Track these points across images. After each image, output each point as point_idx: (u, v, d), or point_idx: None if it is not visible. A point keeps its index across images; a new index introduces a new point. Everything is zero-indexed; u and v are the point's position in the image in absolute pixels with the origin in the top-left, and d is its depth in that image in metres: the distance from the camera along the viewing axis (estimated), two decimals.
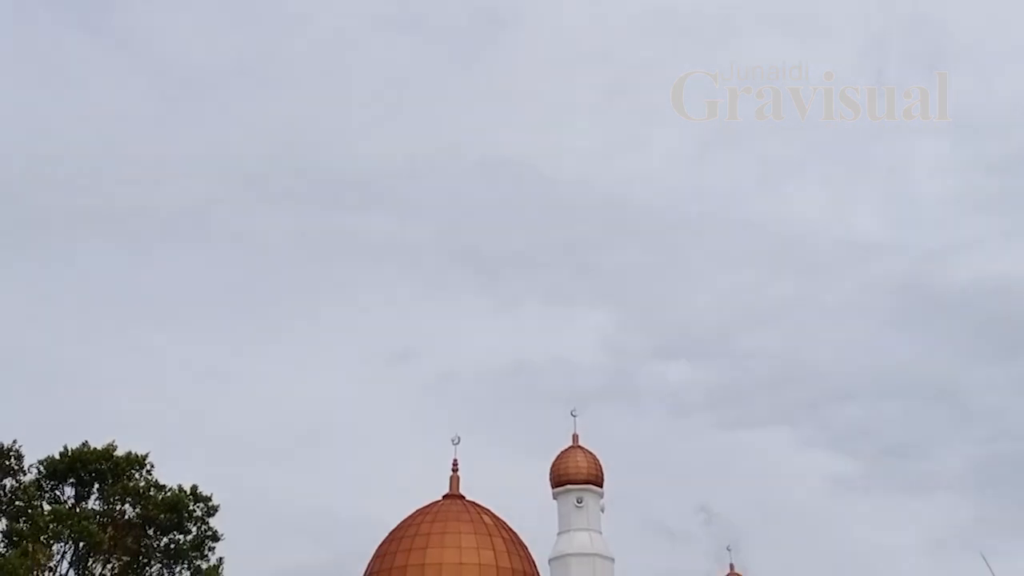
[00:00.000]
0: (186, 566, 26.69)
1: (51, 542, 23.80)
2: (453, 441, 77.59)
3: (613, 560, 54.94)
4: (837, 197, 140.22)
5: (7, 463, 25.67)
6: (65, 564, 24.98)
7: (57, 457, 26.59)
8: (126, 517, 26.10)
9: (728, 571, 75.18)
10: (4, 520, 25.07)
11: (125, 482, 26.50)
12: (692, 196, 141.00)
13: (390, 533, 75.21)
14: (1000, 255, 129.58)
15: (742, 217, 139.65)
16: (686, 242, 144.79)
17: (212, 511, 27.38)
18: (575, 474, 56.21)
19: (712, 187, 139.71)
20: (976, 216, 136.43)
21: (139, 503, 26.37)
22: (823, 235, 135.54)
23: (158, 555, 26.48)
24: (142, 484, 26.92)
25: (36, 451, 26.65)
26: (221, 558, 27.18)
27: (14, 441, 26.07)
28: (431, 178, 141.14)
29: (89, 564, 25.32)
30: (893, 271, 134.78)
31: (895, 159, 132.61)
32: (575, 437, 58.44)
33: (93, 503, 26.55)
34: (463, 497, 76.98)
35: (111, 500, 26.26)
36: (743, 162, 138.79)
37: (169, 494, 26.86)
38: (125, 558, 25.78)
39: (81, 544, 24.62)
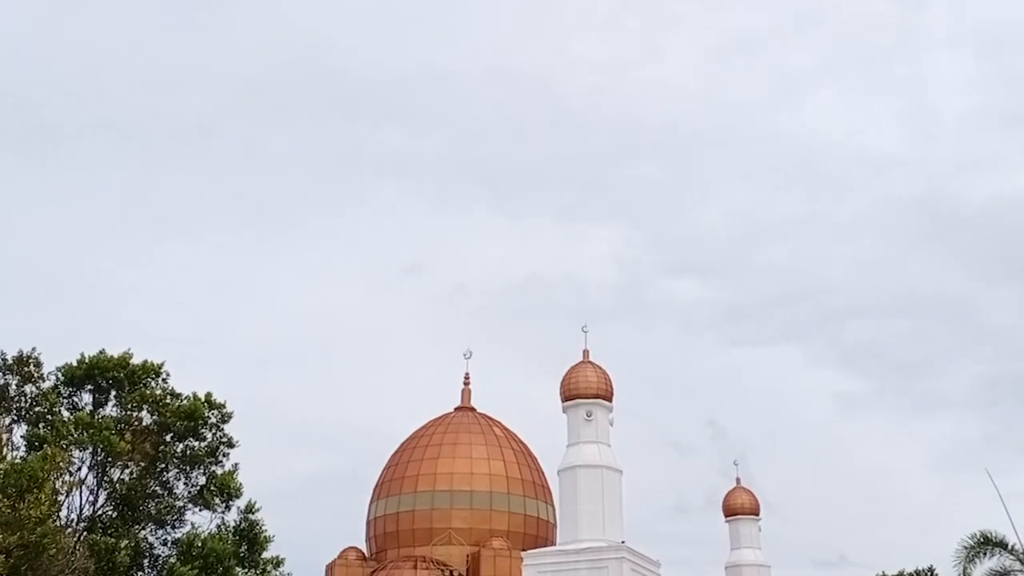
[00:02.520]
0: (202, 471, 27.27)
1: (71, 448, 24.28)
2: (464, 355, 78.03)
3: (621, 472, 55.87)
4: (855, 111, 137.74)
5: (26, 370, 26.06)
6: (85, 469, 25.52)
7: (75, 365, 26.96)
8: (143, 424, 26.57)
9: (735, 485, 76.40)
10: (25, 425, 25.56)
11: (142, 390, 26.92)
12: (706, 110, 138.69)
13: (402, 443, 76.41)
14: (1019, 172, 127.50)
15: (756, 131, 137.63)
16: (699, 157, 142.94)
17: (227, 418, 27.85)
18: (585, 388, 56.82)
19: (726, 100, 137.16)
20: (996, 132, 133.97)
21: (155, 410, 26.82)
22: (839, 150, 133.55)
23: (175, 461, 27.05)
24: (158, 392, 27.34)
25: (53, 359, 27.03)
26: (236, 464, 27.77)
27: (32, 348, 26.45)
28: (442, 91, 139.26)
29: (108, 469, 25.85)
30: (909, 187, 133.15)
31: (916, 73, 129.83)
32: (586, 352, 58.86)
33: (110, 410, 27.01)
34: (474, 409, 77.99)
35: (128, 407, 26.71)
36: (759, 75, 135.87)
37: (185, 402, 27.30)
38: (143, 464, 26.31)
39: (100, 450, 25.09)
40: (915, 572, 43.69)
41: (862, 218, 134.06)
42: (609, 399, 57.23)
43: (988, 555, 34.31)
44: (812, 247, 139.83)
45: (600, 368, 58.12)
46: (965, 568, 34.59)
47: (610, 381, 57.63)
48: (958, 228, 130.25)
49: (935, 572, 43.51)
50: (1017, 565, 33.63)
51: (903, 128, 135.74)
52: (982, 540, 34.19)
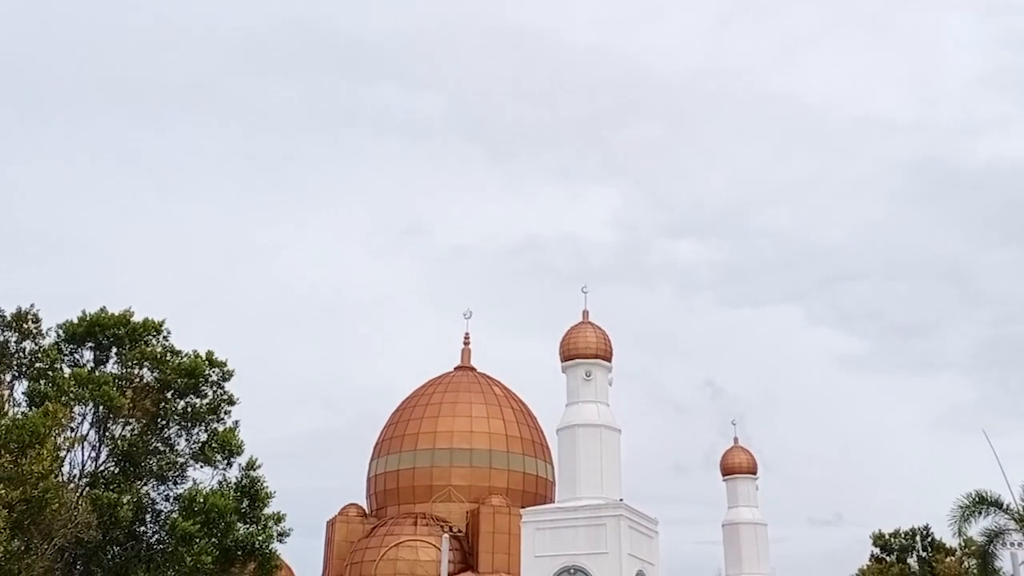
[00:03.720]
0: (203, 428, 27.38)
1: (72, 403, 24.37)
2: (465, 315, 78.42)
3: (619, 431, 56.24)
4: (858, 73, 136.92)
5: (25, 326, 26.08)
6: (86, 426, 25.62)
7: (75, 322, 26.98)
8: (144, 381, 26.65)
9: (732, 444, 76.94)
10: (26, 381, 25.63)
11: (142, 347, 26.95)
12: (708, 71, 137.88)
13: (403, 402, 76.93)
14: (1022, 135, 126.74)
15: (759, 93, 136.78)
16: (701, 118, 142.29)
17: (227, 376, 27.92)
18: (584, 348, 57.06)
19: (729, 62, 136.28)
20: (1000, 94, 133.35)
21: (156, 368, 26.88)
22: (842, 111, 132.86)
23: (176, 418, 27.15)
24: (159, 349, 27.37)
25: (54, 318, 27.06)
26: (237, 421, 27.87)
27: (31, 305, 26.43)
28: (442, 50, 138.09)
29: (109, 426, 25.96)
30: (911, 150, 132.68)
31: (920, 34, 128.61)
32: (585, 313, 59.04)
33: (111, 367, 27.07)
34: (474, 369, 78.41)
35: (129, 364, 26.76)
36: (762, 36, 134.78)
37: (185, 359, 27.35)
38: (144, 420, 26.43)
39: (101, 407, 25.18)
40: (911, 531, 44.11)
41: (863, 181, 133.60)
42: (608, 359, 57.47)
43: (984, 514, 34.65)
44: (813, 209, 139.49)
45: (599, 328, 58.29)
46: (961, 527, 34.93)
47: (609, 341, 57.84)
48: (959, 191, 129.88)
49: (931, 531, 43.94)
50: (1012, 524, 33.95)
51: (906, 90, 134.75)
52: (978, 500, 34.49)
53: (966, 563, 40.75)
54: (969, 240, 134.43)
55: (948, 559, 42.57)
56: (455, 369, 75.09)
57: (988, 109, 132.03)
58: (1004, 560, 34.59)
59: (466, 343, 75.72)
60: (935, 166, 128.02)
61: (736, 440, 75.25)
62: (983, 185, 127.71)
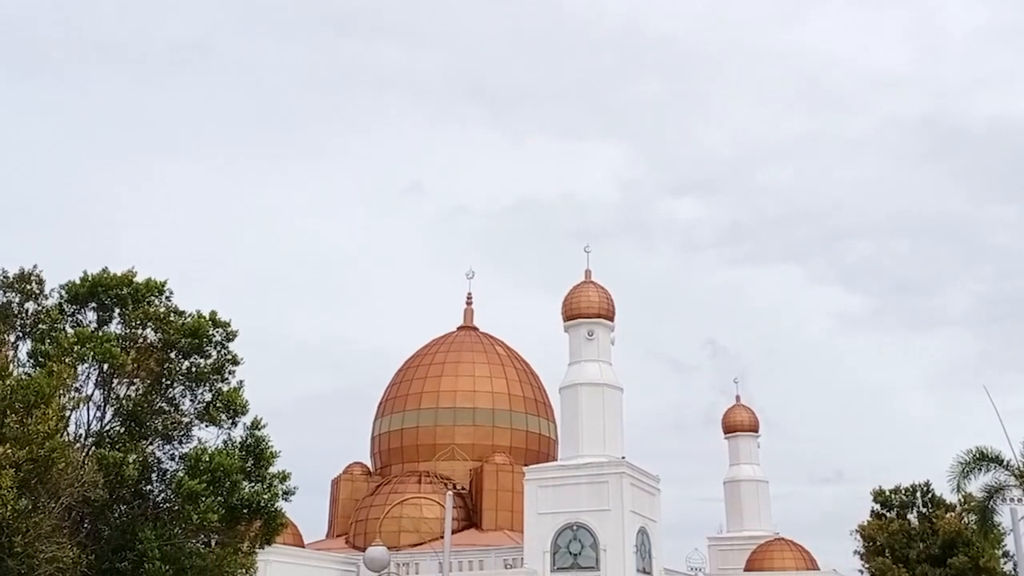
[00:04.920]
0: (207, 388, 27.45)
1: (76, 363, 24.42)
2: (467, 275, 78.56)
3: (622, 390, 56.45)
4: (861, 29, 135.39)
5: (28, 287, 26.07)
6: (91, 385, 25.69)
7: (77, 282, 26.95)
8: (148, 341, 26.67)
9: (734, 402, 77.24)
10: (29, 342, 25.67)
11: (145, 307, 26.93)
12: (710, 27, 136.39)
13: (406, 362, 77.14)
14: None
15: (761, 49, 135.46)
16: (703, 75, 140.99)
17: (231, 336, 27.93)
18: (587, 308, 57.10)
19: (731, 17, 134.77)
20: (1004, 50, 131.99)
21: (160, 328, 26.88)
22: (846, 68, 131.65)
23: (180, 378, 27.21)
24: (162, 310, 27.36)
25: (56, 279, 27.05)
26: (241, 381, 27.94)
27: (34, 266, 26.39)
28: (441, 7, 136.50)
29: (114, 386, 26.04)
30: (913, 107, 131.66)
31: None
32: (587, 272, 59.00)
33: (115, 327, 27.09)
34: (476, 329, 78.53)
35: (132, 325, 26.77)
36: None
37: (189, 319, 27.35)
38: (148, 380, 26.49)
39: (105, 366, 25.24)
40: (911, 487, 44.39)
41: (865, 138, 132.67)
42: (611, 318, 57.53)
43: (984, 471, 34.83)
44: (815, 167, 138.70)
45: (602, 288, 58.29)
46: (960, 483, 35.13)
47: (612, 301, 57.85)
48: (962, 147, 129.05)
49: (931, 487, 44.23)
50: (1012, 480, 34.14)
51: (909, 46, 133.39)
52: (978, 456, 34.65)
53: (966, 519, 41.06)
54: (971, 197, 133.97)
55: (948, 515, 42.90)
56: (458, 329, 75.26)
57: (992, 64, 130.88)
58: (1003, 515, 34.85)
59: (468, 303, 75.81)
60: (938, 122, 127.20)
61: (738, 398, 75.57)
62: (986, 141, 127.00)
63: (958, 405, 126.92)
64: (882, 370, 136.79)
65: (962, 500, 39.85)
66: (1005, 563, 42.19)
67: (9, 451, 20.06)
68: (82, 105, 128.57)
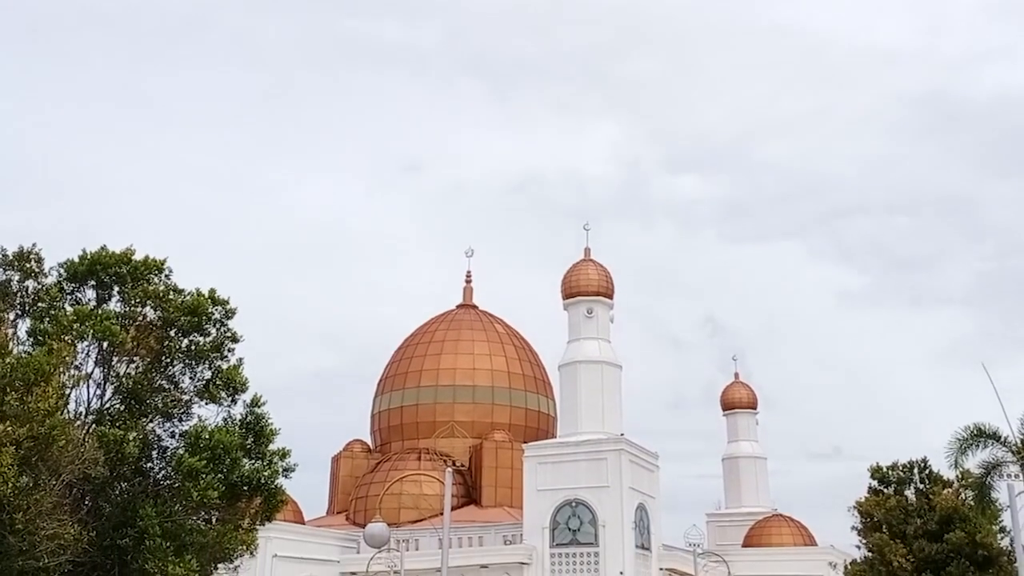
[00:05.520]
0: (207, 366, 27.46)
1: (75, 341, 24.42)
2: (466, 253, 78.64)
3: (620, 368, 56.61)
4: (864, 3, 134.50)
5: (27, 265, 26.02)
6: (91, 363, 25.69)
7: (76, 260, 26.90)
8: (147, 319, 26.66)
9: (733, 380, 77.41)
10: (28, 320, 25.65)
11: (144, 285, 26.89)
12: (711, 1, 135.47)
13: (405, 339, 77.23)
14: None
15: (762, 24, 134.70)
16: (703, 50, 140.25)
17: (230, 314, 27.91)
18: (586, 286, 57.19)
19: None
20: (1006, 22, 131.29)
21: (159, 306, 26.86)
22: (845, 43, 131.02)
23: (180, 355, 27.21)
24: (161, 288, 27.32)
25: (55, 257, 27.01)
26: (241, 359, 27.94)
27: (33, 244, 26.31)
28: None
29: (113, 364, 26.05)
30: (915, 82, 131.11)
31: None
32: (587, 250, 59.05)
33: (114, 306, 27.07)
34: (476, 307, 78.58)
35: (131, 303, 26.75)
36: None
37: (188, 297, 27.32)
38: (148, 358, 26.50)
39: (105, 344, 25.23)
40: (909, 463, 44.51)
41: (867, 113, 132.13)
42: (610, 296, 57.59)
43: (981, 447, 34.97)
44: (815, 143, 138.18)
45: (601, 266, 58.31)
46: (958, 459, 35.27)
47: (611, 279, 57.88)
48: (963, 123, 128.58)
49: (929, 464, 44.35)
50: (1009, 456, 34.28)
51: (912, 20, 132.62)
52: (976, 432, 34.78)
53: (963, 495, 41.24)
54: (972, 173, 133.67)
55: (945, 491, 43.05)
56: (457, 307, 75.25)
57: (993, 39, 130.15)
58: (1000, 491, 34.99)
59: (468, 281, 75.78)
60: (939, 98, 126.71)
61: (737, 375, 75.71)
62: (988, 116, 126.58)
63: (957, 382, 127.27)
64: (881, 347, 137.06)
65: (959, 476, 40.03)
66: (1002, 538, 42.43)
67: (9, 429, 20.10)
68: (80, 81, 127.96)
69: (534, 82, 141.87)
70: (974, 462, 35.45)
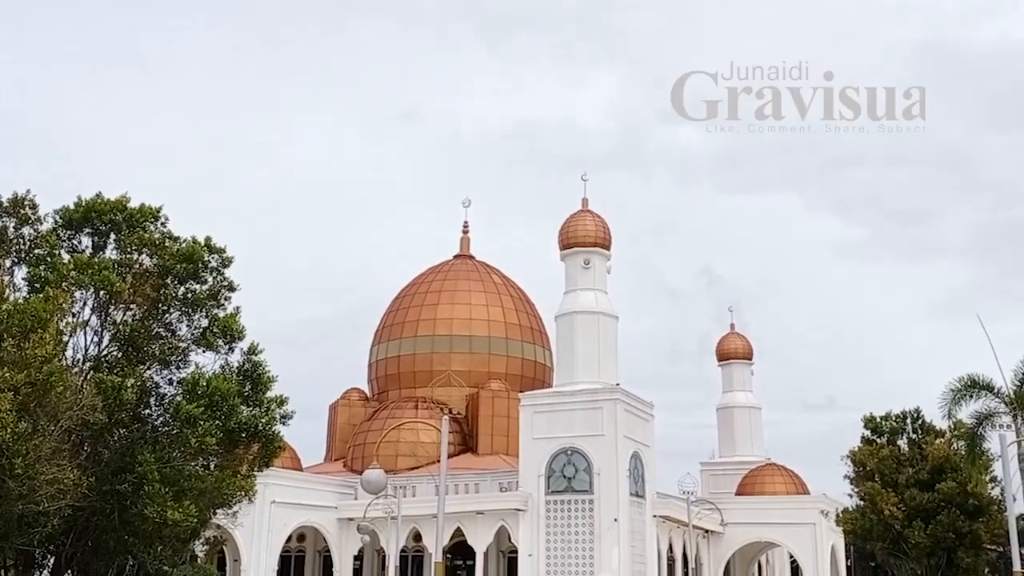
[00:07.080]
0: (204, 314, 27.50)
1: (73, 289, 24.40)
2: (463, 203, 78.28)
3: (617, 318, 56.71)
4: None
5: (23, 212, 25.90)
6: (88, 311, 25.70)
7: (71, 208, 26.78)
8: (143, 267, 26.61)
9: (728, 330, 77.63)
10: (25, 268, 25.60)
11: (140, 233, 26.81)
12: None
13: (402, 289, 77.29)
14: None
15: None
16: (703, 0, 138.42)
17: (227, 262, 27.87)
18: (583, 237, 57.05)
19: None
20: None
21: (155, 253, 26.80)
22: None
23: (177, 303, 27.23)
24: (157, 235, 27.24)
25: (51, 205, 26.89)
26: (238, 307, 27.97)
27: (27, 191, 26.16)
28: None
29: (111, 311, 26.06)
30: (914, 34, 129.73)
31: None
32: (584, 201, 58.80)
33: (110, 253, 27.00)
34: (473, 257, 78.51)
35: (128, 250, 26.68)
36: None
37: (184, 245, 27.27)
38: (145, 306, 26.51)
39: (102, 292, 25.22)
40: (902, 414, 44.86)
41: (866, 65, 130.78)
42: (607, 247, 57.50)
43: (974, 398, 35.24)
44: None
45: (598, 217, 58.13)
46: (951, 410, 35.56)
47: (608, 230, 57.73)
48: (963, 75, 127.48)
49: (922, 414, 44.72)
50: (1002, 407, 34.56)
51: None
52: (969, 383, 35.03)
53: (955, 445, 41.66)
54: (972, 124, 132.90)
55: (937, 441, 43.47)
56: (454, 257, 75.18)
57: None
58: (992, 442, 35.35)
59: (465, 231, 75.59)
60: (939, 50, 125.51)
61: (732, 326, 75.96)
62: (988, 69, 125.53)
63: (952, 334, 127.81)
64: (878, 298, 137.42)
65: (952, 427, 40.41)
66: (992, 488, 42.94)
67: (7, 375, 20.17)
68: (74, 31, 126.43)
69: (531, 30, 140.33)
70: (967, 412, 35.78)
